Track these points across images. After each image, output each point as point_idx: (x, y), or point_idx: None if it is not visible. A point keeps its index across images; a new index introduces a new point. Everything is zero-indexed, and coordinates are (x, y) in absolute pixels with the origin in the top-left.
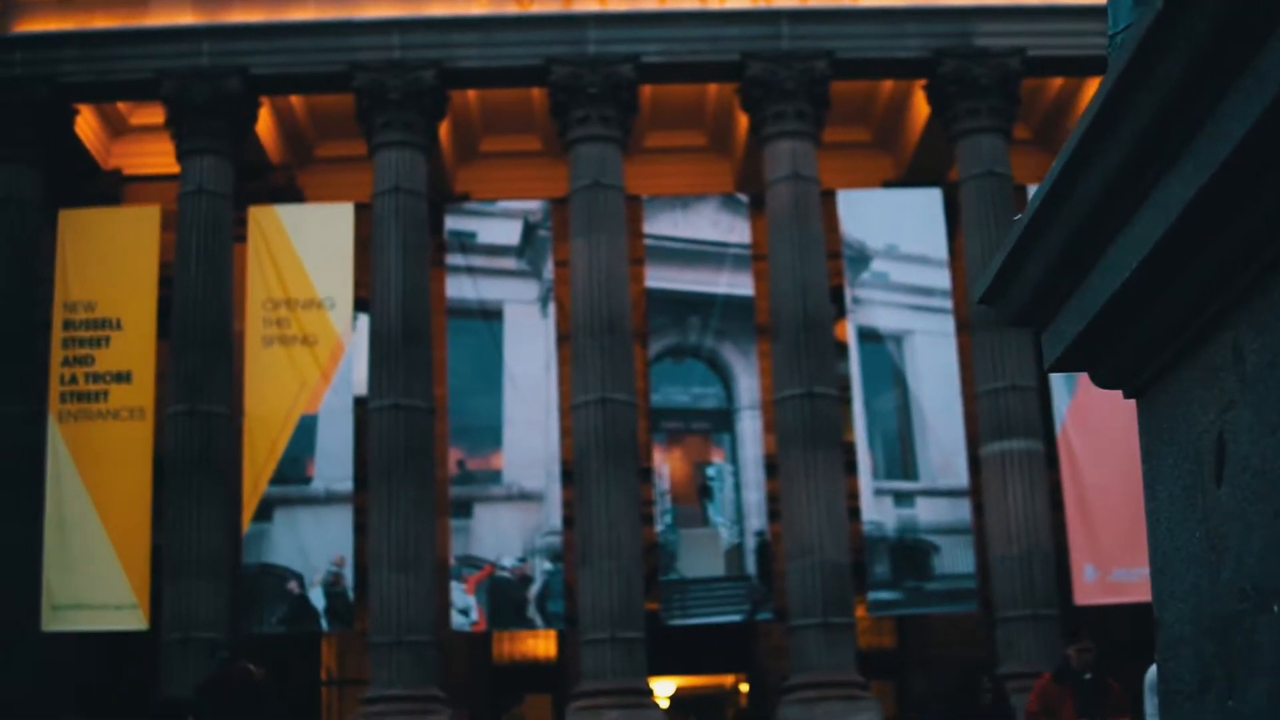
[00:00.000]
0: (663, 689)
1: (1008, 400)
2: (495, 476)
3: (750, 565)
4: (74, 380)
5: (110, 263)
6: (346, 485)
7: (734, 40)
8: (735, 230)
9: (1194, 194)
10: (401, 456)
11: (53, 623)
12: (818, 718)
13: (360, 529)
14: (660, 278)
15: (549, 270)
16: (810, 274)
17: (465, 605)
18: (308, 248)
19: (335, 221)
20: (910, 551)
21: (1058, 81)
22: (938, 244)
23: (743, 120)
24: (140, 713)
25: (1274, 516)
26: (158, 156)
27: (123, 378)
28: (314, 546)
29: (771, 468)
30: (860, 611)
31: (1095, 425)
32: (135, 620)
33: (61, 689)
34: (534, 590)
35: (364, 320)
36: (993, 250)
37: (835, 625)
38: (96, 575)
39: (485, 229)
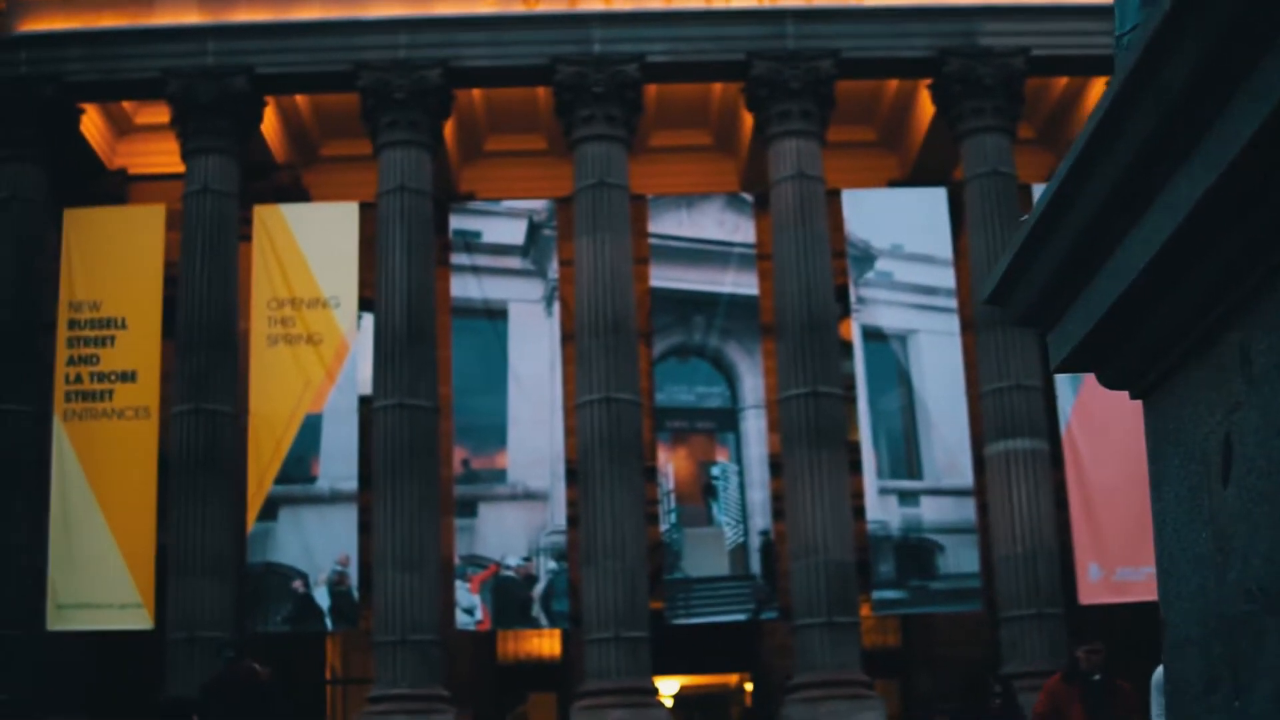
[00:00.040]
0: (667, 688)
1: (1012, 399)
2: (500, 476)
3: (755, 564)
4: (79, 379)
5: (115, 262)
6: (351, 484)
7: (739, 40)
8: (740, 230)
9: (1201, 195)
10: (406, 456)
11: (58, 622)
12: (822, 717)
13: (365, 528)
14: (665, 277)
15: (554, 269)
16: (815, 273)
17: (470, 604)
18: (313, 247)
19: (340, 221)
20: (915, 551)
21: (1062, 81)
22: (942, 243)
23: (748, 119)
24: (146, 712)
25: None
26: (163, 156)
27: (128, 377)
28: (319, 545)
29: (776, 467)
30: (865, 611)
31: (1100, 424)
32: (140, 619)
33: (66, 688)
34: (538, 589)
35: (369, 319)
36: (997, 249)
37: (840, 624)
38: (101, 574)
39: (490, 228)
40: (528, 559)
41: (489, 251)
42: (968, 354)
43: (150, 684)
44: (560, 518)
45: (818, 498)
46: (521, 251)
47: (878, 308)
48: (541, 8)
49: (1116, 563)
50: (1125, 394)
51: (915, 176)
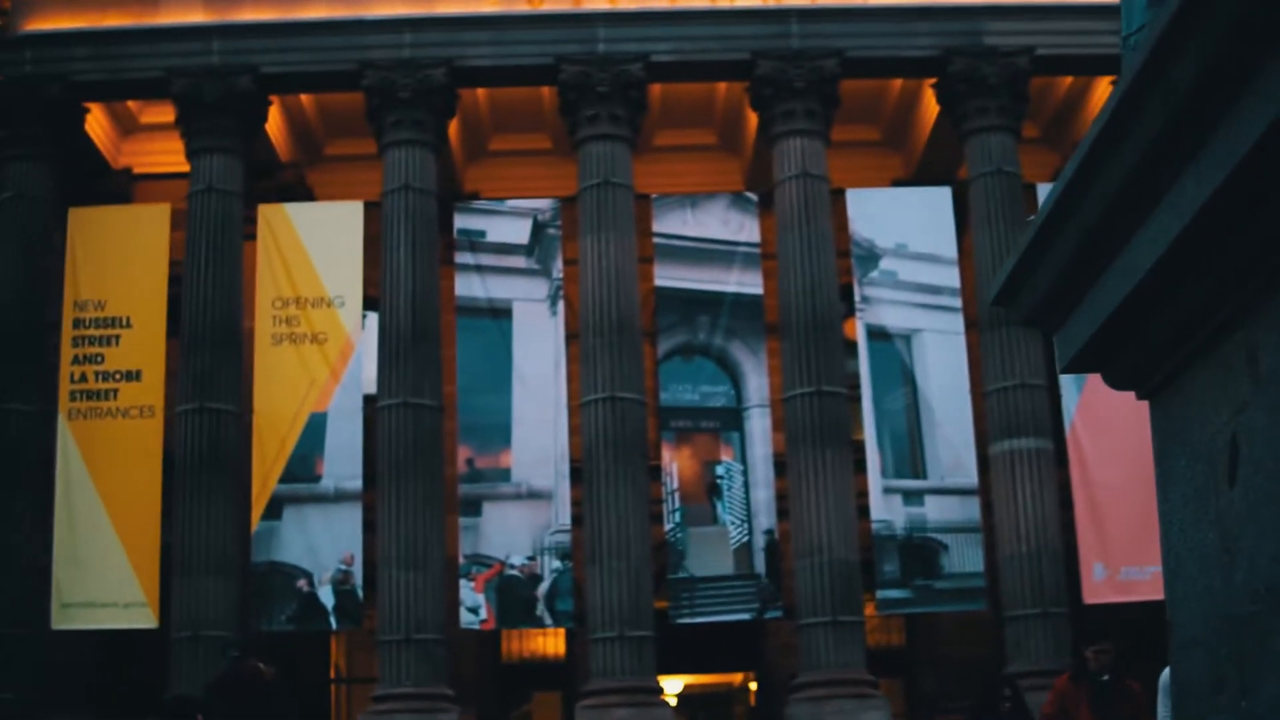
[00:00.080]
0: (671, 687)
1: (1017, 398)
2: (504, 475)
3: (759, 564)
4: (84, 379)
5: (120, 261)
6: (355, 483)
7: (744, 39)
8: (744, 229)
9: (1208, 196)
10: (410, 455)
11: (62, 621)
12: (826, 716)
13: (369, 527)
14: (669, 276)
15: (558, 269)
16: (819, 272)
17: (474, 603)
18: (317, 246)
19: (345, 220)
20: (919, 550)
21: (1067, 80)
22: (947, 242)
23: (752, 119)
24: (150, 711)
25: None
26: (168, 155)
27: (132, 376)
28: (323, 544)
29: (780, 466)
30: (869, 610)
31: (1105, 423)
32: (145, 618)
33: (70, 687)
34: (543, 588)
35: (373, 318)
36: (1002, 249)
37: (844, 623)
38: (106, 573)
39: (494, 227)
40: (532, 558)
41: (493, 251)
42: (972, 353)
43: (154, 683)
44: (565, 517)
45: (822, 497)
46: (526, 251)
47: (882, 307)
48: (546, 7)
49: (1121, 562)
50: (1130, 393)
51: (920, 176)
